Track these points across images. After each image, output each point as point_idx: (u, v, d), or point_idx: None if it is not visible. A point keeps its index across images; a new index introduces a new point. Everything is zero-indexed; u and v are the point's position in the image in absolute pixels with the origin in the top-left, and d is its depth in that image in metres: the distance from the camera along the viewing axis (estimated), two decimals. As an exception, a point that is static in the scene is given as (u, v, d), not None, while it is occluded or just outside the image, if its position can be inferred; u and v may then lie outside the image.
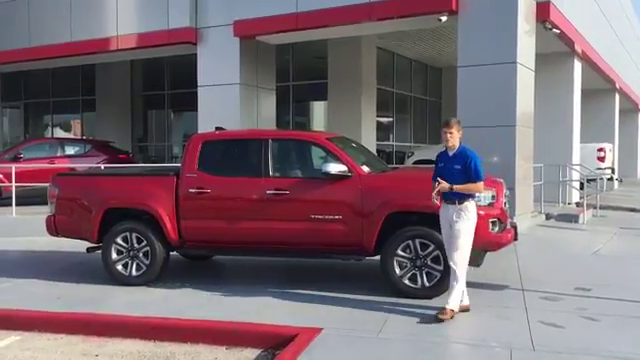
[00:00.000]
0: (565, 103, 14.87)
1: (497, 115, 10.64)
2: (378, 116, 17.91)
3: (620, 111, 23.64)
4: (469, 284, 6.52)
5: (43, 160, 13.82)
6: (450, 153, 5.57)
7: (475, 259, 6.21)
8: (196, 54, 13.64)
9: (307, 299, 6.14)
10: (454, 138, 5.53)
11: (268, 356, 4.91)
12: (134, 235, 6.89)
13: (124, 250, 6.92)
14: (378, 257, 6.29)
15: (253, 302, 6.12)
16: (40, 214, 8.49)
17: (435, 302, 5.76)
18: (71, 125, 22.78)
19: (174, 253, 7.23)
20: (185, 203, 6.79)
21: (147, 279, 6.88)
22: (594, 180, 14.20)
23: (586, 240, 10.38)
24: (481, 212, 6.08)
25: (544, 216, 12.26)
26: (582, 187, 14.22)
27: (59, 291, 6.72)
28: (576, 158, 15.18)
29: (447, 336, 5.07)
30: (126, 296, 6.46)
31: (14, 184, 11.82)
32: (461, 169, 5.43)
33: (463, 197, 5.43)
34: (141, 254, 6.88)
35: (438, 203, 5.51)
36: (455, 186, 5.37)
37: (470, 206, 5.46)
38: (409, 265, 6.05)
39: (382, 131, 18.81)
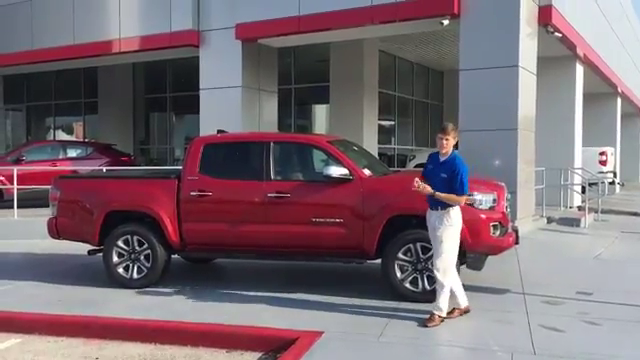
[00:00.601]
0: (567, 107, 14.87)
1: (499, 118, 10.63)
2: (380, 119, 17.92)
3: (622, 115, 23.63)
4: (471, 288, 6.53)
5: (45, 162, 13.82)
6: (441, 159, 5.51)
7: (476, 263, 6.21)
8: (198, 57, 13.66)
9: (308, 302, 6.14)
10: (449, 145, 5.46)
11: (269, 359, 4.91)
12: (135, 238, 6.90)
13: (125, 253, 6.93)
14: (379, 260, 6.29)
15: (254, 305, 6.12)
16: (42, 216, 8.50)
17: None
18: (73, 128, 22.80)
19: (175, 256, 7.23)
20: (186, 206, 6.80)
21: (148, 282, 6.88)
22: (596, 184, 14.16)
23: (588, 244, 10.36)
24: (482, 216, 6.10)
25: (545, 220, 12.25)
26: (584, 191, 14.22)
27: (60, 293, 6.73)
28: (578, 162, 15.17)
29: (448, 340, 5.06)
30: (127, 299, 6.46)
31: (16, 186, 11.83)
32: (447, 178, 5.36)
33: (445, 204, 5.38)
34: (142, 257, 6.88)
35: (416, 188, 5.37)
36: (437, 193, 5.31)
37: (453, 212, 5.41)
38: (410, 269, 6.04)
39: (384, 134, 18.81)
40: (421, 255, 6.02)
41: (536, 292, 6.47)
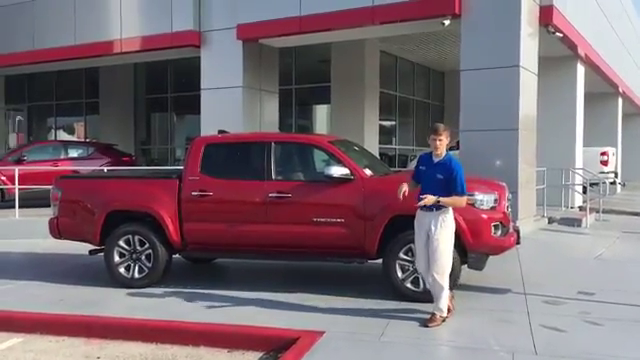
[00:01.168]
0: (568, 107, 14.85)
1: (500, 119, 10.63)
2: (381, 119, 17.93)
3: (623, 115, 23.62)
4: (472, 287, 6.55)
5: (46, 162, 13.84)
6: (435, 159, 5.45)
7: (477, 263, 6.21)
8: (199, 57, 13.67)
9: (309, 302, 6.14)
10: (443, 145, 5.41)
11: (270, 359, 4.91)
12: (137, 238, 6.90)
13: (126, 253, 6.93)
14: (380, 260, 6.29)
15: (255, 305, 6.12)
16: (43, 216, 8.50)
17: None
18: (74, 128, 22.82)
19: (177, 256, 7.23)
20: (187, 206, 6.80)
21: (149, 282, 6.88)
22: (597, 184, 14.16)
23: (589, 244, 10.35)
24: (484, 216, 6.10)
25: (547, 220, 12.24)
26: (585, 191, 14.20)
27: (61, 293, 6.73)
28: (579, 162, 15.16)
29: (449, 340, 5.06)
30: (128, 299, 6.47)
31: (17, 186, 11.85)
32: (443, 180, 5.32)
33: (442, 205, 5.34)
34: (143, 257, 6.89)
35: (402, 198, 5.35)
36: (442, 199, 5.26)
37: (448, 214, 5.39)
38: (411, 268, 6.04)
39: (385, 134, 18.82)
40: (422, 255, 6.01)
41: (537, 292, 6.47)
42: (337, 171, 6.31)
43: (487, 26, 10.68)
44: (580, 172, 14.62)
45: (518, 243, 6.56)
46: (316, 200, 6.45)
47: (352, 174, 6.36)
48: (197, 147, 7.03)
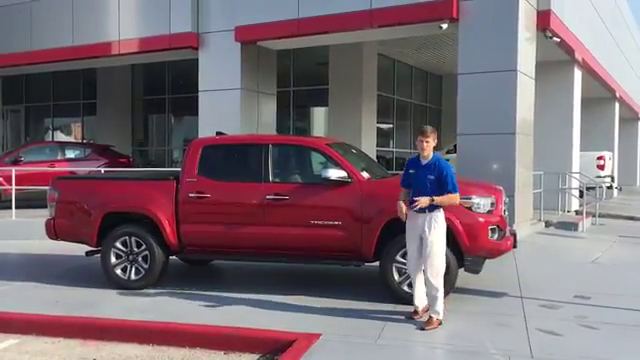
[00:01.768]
0: (565, 111, 14.89)
1: (497, 123, 10.65)
2: (378, 122, 17.93)
3: (620, 119, 23.68)
4: (469, 291, 6.56)
5: (43, 163, 13.81)
6: (423, 162, 5.52)
7: (474, 266, 6.22)
8: (197, 59, 13.66)
9: (306, 305, 6.14)
10: (430, 147, 5.49)
11: (266, 361, 4.92)
12: (133, 239, 6.90)
13: (123, 254, 6.93)
14: (377, 263, 6.30)
15: (252, 307, 6.12)
16: (40, 217, 8.50)
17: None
18: (71, 129, 22.78)
19: (173, 258, 7.22)
20: (185, 208, 6.80)
21: (146, 283, 6.88)
22: (593, 188, 14.20)
23: (585, 248, 10.37)
24: (481, 219, 6.11)
25: (543, 224, 12.26)
26: (582, 195, 14.23)
27: (57, 294, 6.72)
28: (576, 166, 15.20)
29: (446, 343, 5.07)
30: (124, 300, 6.46)
31: (14, 187, 11.82)
32: (434, 180, 5.39)
33: (434, 206, 5.40)
34: (140, 258, 6.89)
35: (405, 218, 5.50)
36: (436, 198, 5.34)
37: (440, 215, 5.45)
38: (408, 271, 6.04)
39: (382, 137, 18.82)
40: (419, 258, 6.01)
41: (534, 296, 6.48)
42: (334, 174, 6.32)
43: (485, 30, 10.71)
44: (577, 176, 14.66)
45: (515, 247, 6.58)
46: (313, 202, 6.46)
47: (349, 177, 6.37)
48: (194, 149, 7.03)
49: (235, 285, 7.19)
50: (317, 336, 5.05)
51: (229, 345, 5.18)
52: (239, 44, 12.99)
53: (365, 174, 6.60)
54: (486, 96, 10.70)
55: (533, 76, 11.60)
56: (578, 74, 15.22)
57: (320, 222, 6.37)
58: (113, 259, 6.93)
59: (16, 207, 11.62)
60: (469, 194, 6.15)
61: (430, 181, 5.40)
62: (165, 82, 20.16)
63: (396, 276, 6.10)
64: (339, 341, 5.01)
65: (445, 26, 11.03)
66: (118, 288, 6.86)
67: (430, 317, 5.40)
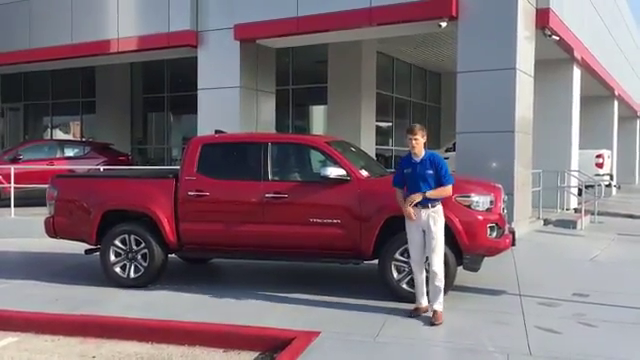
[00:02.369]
0: (564, 109, 14.90)
1: (496, 121, 10.66)
2: (377, 120, 17.93)
3: (619, 118, 23.69)
4: (467, 289, 6.57)
5: (42, 161, 13.80)
6: (417, 159, 5.61)
7: (473, 264, 6.23)
8: (196, 57, 13.65)
9: (305, 303, 6.15)
10: (419, 144, 5.60)
11: (265, 359, 4.92)
12: (132, 237, 6.90)
13: (122, 252, 6.93)
14: (376, 261, 6.30)
15: (251, 305, 6.13)
16: (39, 215, 8.50)
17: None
18: (70, 127, 22.77)
19: (172, 256, 7.23)
20: (184, 206, 6.80)
21: (145, 281, 6.88)
22: (592, 186, 14.21)
23: (584, 246, 10.38)
24: (479, 217, 6.12)
25: (542, 222, 12.28)
26: (580, 193, 14.25)
27: (57, 292, 6.72)
28: (575, 164, 15.21)
29: (444, 340, 5.08)
30: (124, 298, 6.46)
31: (13, 185, 11.81)
32: (433, 174, 5.53)
33: (436, 201, 5.56)
34: (139, 256, 6.89)
35: (415, 218, 5.55)
36: (428, 192, 5.46)
37: (441, 208, 5.61)
38: (407, 269, 6.04)
39: (381, 135, 18.83)
40: (418, 256, 6.03)
41: (532, 293, 6.50)
42: (333, 172, 6.32)
43: (484, 28, 10.71)
44: (575, 174, 14.67)
45: (513, 245, 6.58)
46: (312, 201, 6.46)
47: (348, 175, 6.37)
48: (194, 147, 7.03)
49: (234, 283, 7.20)
50: (316, 334, 5.05)
51: (228, 343, 5.19)
52: (238, 42, 12.98)
53: (364, 172, 6.60)
54: (485, 94, 10.71)
55: (532, 74, 11.60)
56: (577, 72, 15.23)
57: (319, 220, 6.38)
58: (112, 257, 6.93)
59: (15, 205, 11.62)
60: (468, 192, 6.16)
61: (430, 176, 5.52)
62: (164, 80, 20.14)
63: (395, 274, 6.11)
64: (338, 339, 5.02)
65: (444, 24, 11.04)
66: (117, 286, 6.86)
67: (435, 311, 5.48)
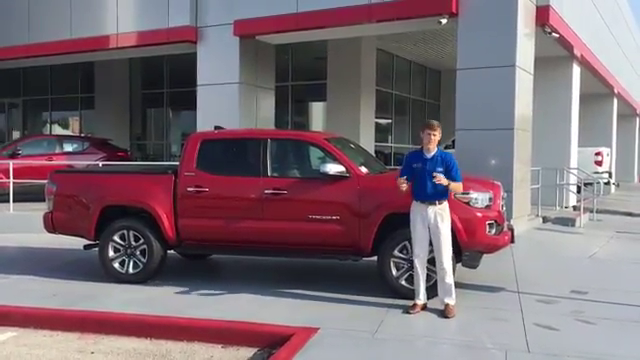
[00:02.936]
0: (563, 107, 14.90)
1: (495, 118, 10.66)
2: (377, 117, 17.93)
3: (618, 116, 23.70)
4: (466, 286, 6.57)
5: (41, 157, 13.79)
6: (428, 155, 5.65)
7: (472, 261, 6.23)
8: (196, 53, 13.63)
9: (304, 299, 6.16)
10: (436, 140, 5.66)
11: (264, 355, 4.92)
12: (131, 233, 6.90)
13: (121, 248, 6.93)
14: (375, 258, 6.31)
15: (250, 301, 6.13)
16: (38, 211, 8.49)
17: (431, 303, 5.78)
18: (70, 122, 22.74)
19: (171, 252, 7.23)
20: (183, 202, 6.80)
21: (144, 277, 6.88)
22: (591, 184, 14.23)
23: (583, 244, 10.40)
24: (478, 214, 6.12)
25: (541, 219, 12.29)
26: (579, 191, 14.25)
27: (55, 288, 6.73)
28: (574, 162, 15.22)
29: (443, 337, 5.08)
30: (122, 294, 6.47)
31: (12, 180, 11.80)
32: (443, 172, 5.55)
33: (443, 198, 5.60)
34: (138, 252, 6.89)
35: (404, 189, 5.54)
36: (452, 183, 5.54)
37: (447, 205, 5.67)
38: (406, 266, 6.05)
39: (381, 132, 18.83)
40: (417, 253, 6.03)
41: (531, 291, 6.50)
42: (333, 168, 6.32)
43: (484, 25, 10.69)
44: (574, 172, 14.68)
45: (512, 242, 6.59)
46: (312, 197, 6.46)
47: (348, 171, 6.37)
48: (193, 143, 7.02)
49: (233, 279, 7.21)
50: (315, 330, 5.06)
51: (227, 339, 5.19)
52: (238, 38, 12.96)
53: (363, 169, 6.60)
54: (485, 91, 10.70)
55: (532, 72, 11.60)
56: (577, 70, 15.23)
57: (318, 217, 6.37)
58: (111, 253, 6.93)
59: (14, 200, 11.61)
60: (467, 189, 6.14)
61: (440, 173, 5.53)
62: (163, 76, 20.11)
63: (394, 271, 6.11)
64: (337, 335, 5.03)
65: (444, 21, 11.02)
66: (116, 282, 6.86)
67: (447, 304, 5.58)
